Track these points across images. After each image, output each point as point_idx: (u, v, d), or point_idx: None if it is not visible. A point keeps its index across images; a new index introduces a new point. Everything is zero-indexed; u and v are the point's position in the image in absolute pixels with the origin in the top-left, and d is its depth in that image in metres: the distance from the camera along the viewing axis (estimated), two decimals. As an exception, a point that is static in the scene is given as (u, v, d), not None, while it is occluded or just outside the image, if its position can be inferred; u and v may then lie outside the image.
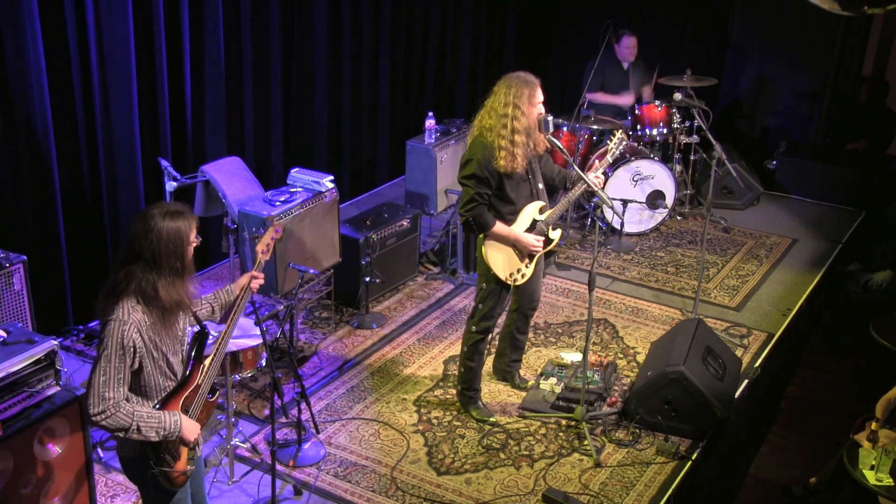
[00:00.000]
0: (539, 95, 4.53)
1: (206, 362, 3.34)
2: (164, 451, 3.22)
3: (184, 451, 3.29)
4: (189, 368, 3.29)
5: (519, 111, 4.45)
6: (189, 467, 3.32)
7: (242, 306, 3.52)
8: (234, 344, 4.41)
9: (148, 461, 3.21)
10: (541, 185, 4.74)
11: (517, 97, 4.46)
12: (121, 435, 3.09)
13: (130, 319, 3.04)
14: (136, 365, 3.10)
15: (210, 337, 3.41)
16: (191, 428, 3.23)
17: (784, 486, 4.88)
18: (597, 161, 4.84)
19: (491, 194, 4.58)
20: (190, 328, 3.39)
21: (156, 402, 3.20)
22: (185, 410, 3.25)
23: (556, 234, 4.82)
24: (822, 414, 5.58)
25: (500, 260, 4.69)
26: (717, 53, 9.13)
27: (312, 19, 7.12)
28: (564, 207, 4.78)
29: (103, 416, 3.02)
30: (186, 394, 3.27)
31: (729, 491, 5.01)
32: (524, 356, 5.60)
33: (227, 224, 5.44)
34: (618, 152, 4.99)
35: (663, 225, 7.54)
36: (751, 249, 7.31)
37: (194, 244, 3.20)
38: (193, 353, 3.31)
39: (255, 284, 3.55)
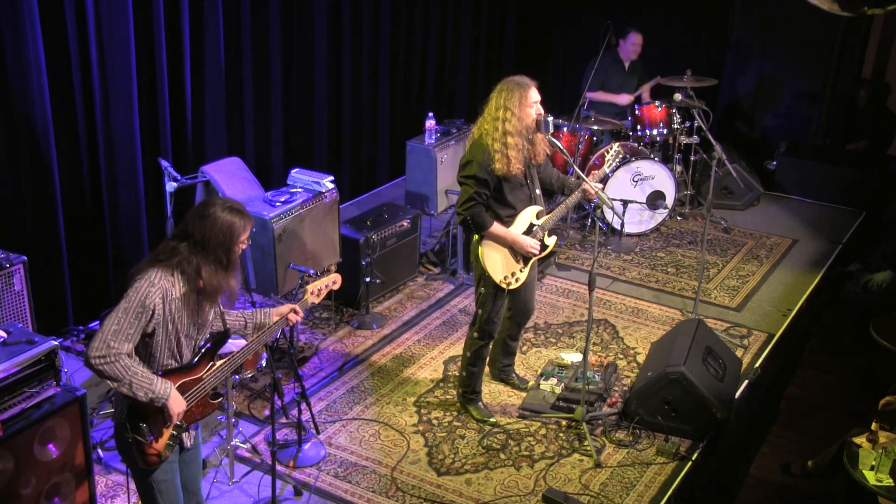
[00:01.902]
0: (533, 96, 4.53)
1: (218, 363, 3.39)
2: (144, 420, 3.26)
3: (164, 432, 3.31)
4: (197, 359, 3.34)
5: (510, 113, 4.47)
6: (166, 452, 3.34)
7: (273, 331, 3.60)
8: (235, 345, 4.40)
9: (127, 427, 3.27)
10: (538, 191, 4.75)
11: (508, 100, 4.49)
12: (112, 385, 3.17)
13: (160, 284, 3.15)
14: (150, 329, 3.18)
15: (228, 346, 3.45)
16: (178, 401, 3.27)
17: (784, 463, 4.92)
18: (594, 171, 4.84)
19: (489, 195, 4.59)
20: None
21: (155, 370, 3.26)
22: (182, 394, 3.30)
23: (551, 241, 4.82)
24: (822, 414, 5.58)
25: (495, 262, 4.69)
26: (717, 53, 9.14)
27: (312, 19, 7.12)
28: (562, 213, 4.77)
29: (101, 361, 3.10)
30: (186, 380, 3.32)
31: (729, 491, 5.01)
32: (524, 357, 5.62)
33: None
34: (615, 164, 5.02)
35: (663, 225, 7.54)
36: (751, 250, 7.31)
37: (244, 245, 3.30)
38: (206, 348, 3.36)
39: (294, 318, 3.62)
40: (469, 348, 4.93)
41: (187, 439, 3.46)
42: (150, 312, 3.14)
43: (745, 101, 9.23)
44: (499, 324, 4.89)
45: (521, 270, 4.75)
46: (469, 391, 5.03)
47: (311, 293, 3.71)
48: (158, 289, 3.14)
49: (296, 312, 3.60)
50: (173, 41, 5.94)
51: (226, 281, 3.25)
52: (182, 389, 3.30)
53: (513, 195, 4.63)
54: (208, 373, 3.37)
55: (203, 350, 3.37)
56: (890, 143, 8.74)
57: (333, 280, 3.78)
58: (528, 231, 4.71)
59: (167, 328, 3.21)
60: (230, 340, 3.51)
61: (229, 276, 3.27)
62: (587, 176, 4.80)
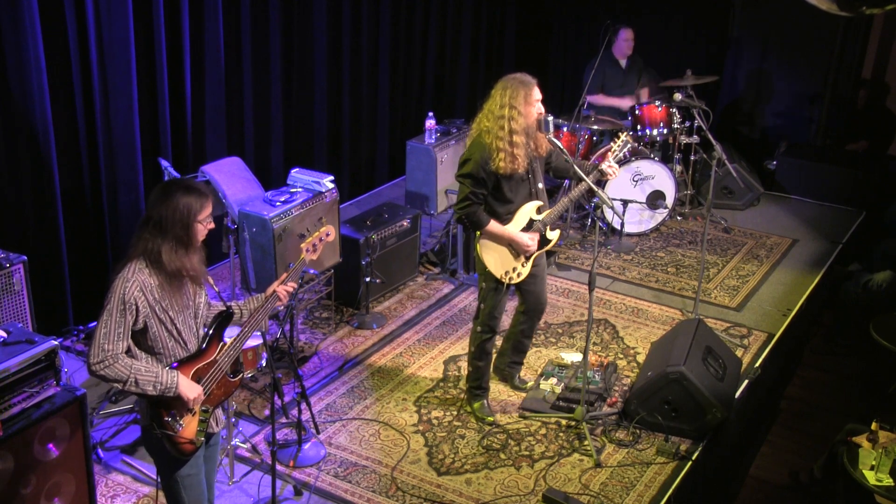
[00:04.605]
0: (536, 95, 4.51)
1: (228, 342, 3.41)
2: (167, 413, 3.27)
3: (191, 420, 3.32)
4: (205, 343, 3.36)
5: (516, 111, 4.45)
6: (198, 438, 3.36)
7: (268, 310, 3.58)
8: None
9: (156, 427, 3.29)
10: (540, 185, 4.73)
11: (513, 98, 4.46)
12: (118, 386, 3.19)
13: (134, 278, 3.17)
14: (141, 324, 3.20)
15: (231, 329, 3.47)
16: (189, 387, 3.28)
17: (792, 471, 4.93)
18: (597, 162, 4.80)
19: (486, 194, 4.58)
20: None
21: (167, 365, 3.27)
22: (197, 381, 3.32)
23: (553, 235, 4.81)
24: (822, 414, 5.59)
25: (494, 258, 4.69)
26: (717, 53, 9.14)
27: (312, 19, 7.12)
28: (563, 208, 4.76)
29: (101, 366, 3.13)
30: (199, 366, 3.34)
31: (729, 491, 5.01)
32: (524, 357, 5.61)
33: (227, 224, 5.45)
34: (621, 154, 4.95)
35: (663, 225, 7.54)
36: (751, 250, 7.31)
37: (206, 225, 3.28)
38: (212, 330, 3.38)
39: (283, 292, 3.59)
40: (473, 343, 4.93)
41: (214, 423, 3.48)
42: (134, 307, 3.15)
43: (745, 101, 9.23)
44: (500, 318, 4.89)
45: (522, 265, 4.74)
46: (476, 386, 5.03)
47: (306, 251, 3.70)
48: (134, 283, 3.15)
49: (284, 285, 3.59)
50: (173, 41, 5.94)
51: (188, 260, 3.23)
52: (198, 375, 3.33)
53: (513, 192, 4.61)
54: (220, 353, 3.40)
55: (209, 333, 3.38)
56: (890, 143, 8.74)
57: (326, 232, 3.75)
58: (528, 227, 4.70)
59: (158, 318, 3.22)
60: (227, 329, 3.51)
61: (191, 256, 3.25)
62: (602, 160, 4.77)
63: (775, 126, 9.15)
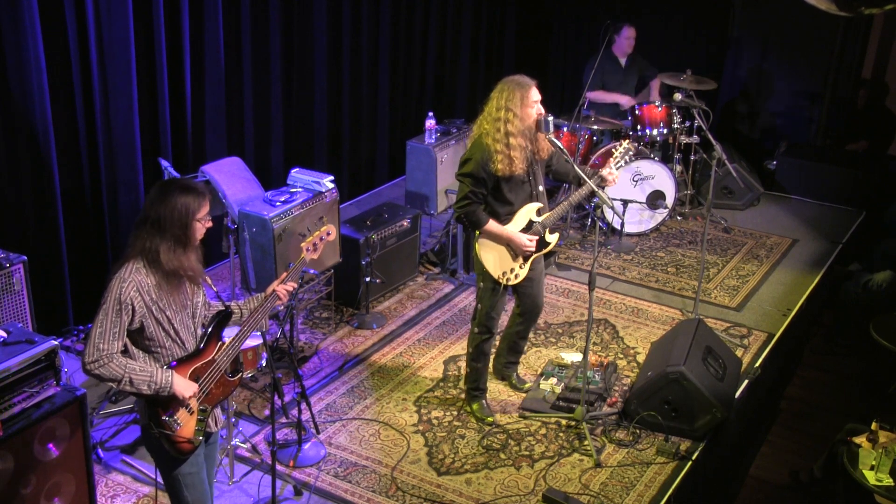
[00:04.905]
0: (534, 96, 4.51)
1: (227, 341, 3.42)
2: (165, 412, 3.27)
3: (189, 419, 3.32)
4: (204, 342, 3.36)
5: (511, 113, 4.46)
6: (196, 437, 3.36)
7: (267, 309, 3.58)
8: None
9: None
10: (541, 188, 4.73)
11: (509, 100, 4.47)
12: (113, 386, 3.21)
13: (131, 278, 3.18)
14: (137, 324, 3.21)
15: (230, 327, 3.47)
16: (184, 386, 3.28)
17: (792, 470, 4.93)
18: (597, 162, 4.80)
19: (486, 194, 4.58)
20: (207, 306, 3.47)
21: (164, 364, 3.27)
22: (195, 380, 3.32)
23: (552, 238, 4.80)
24: (822, 414, 5.59)
25: (492, 258, 4.69)
26: (717, 54, 9.14)
27: (312, 19, 7.12)
28: (563, 210, 4.76)
29: (96, 365, 3.15)
30: (198, 365, 3.34)
31: (729, 491, 5.01)
32: (524, 357, 5.60)
33: (227, 224, 5.45)
34: (623, 162, 4.94)
35: (663, 225, 7.54)
36: (751, 250, 7.31)
37: (204, 223, 3.28)
38: (211, 329, 3.38)
39: (283, 291, 3.59)
40: (471, 344, 4.94)
41: (213, 423, 3.48)
42: (130, 308, 3.16)
43: (745, 101, 9.23)
44: (498, 319, 4.89)
45: (520, 266, 4.74)
46: (473, 387, 5.03)
47: (307, 250, 3.69)
48: (130, 283, 3.16)
49: (284, 284, 3.59)
50: (173, 41, 5.94)
51: (186, 259, 3.25)
52: (196, 375, 3.33)
53: (513, 193, 4.62)
54: (219, 353, 3.40)
55: (208, 332, 3.38)
56: (890, 143, 8.74)
57: (327, 231, 3.75)
58: (528, 228, 4.70)
59: (155, 318, 3.23)
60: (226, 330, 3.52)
61: (189, 255, 3.27)
62: (602, 160, 4.77)
63: (775, 126, 9.15)
